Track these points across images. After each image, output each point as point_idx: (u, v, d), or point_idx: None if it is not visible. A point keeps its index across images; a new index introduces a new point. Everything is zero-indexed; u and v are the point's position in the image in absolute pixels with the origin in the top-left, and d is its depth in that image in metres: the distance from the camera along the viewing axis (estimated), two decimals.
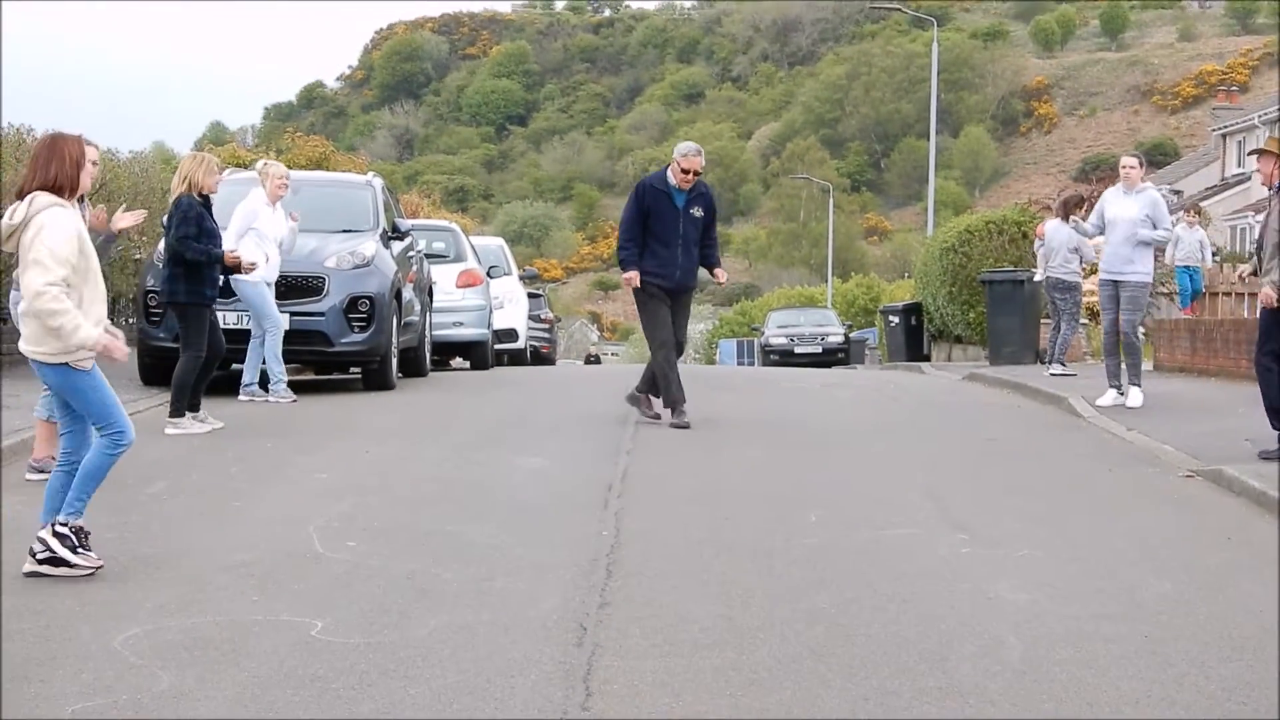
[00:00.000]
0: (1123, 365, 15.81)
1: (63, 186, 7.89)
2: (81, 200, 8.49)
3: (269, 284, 15.25)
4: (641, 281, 13.97)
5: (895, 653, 6.63)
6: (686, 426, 13.65)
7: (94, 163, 8.27)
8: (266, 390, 15.36)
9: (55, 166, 7.89)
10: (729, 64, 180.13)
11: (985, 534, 9.23)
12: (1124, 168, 15.90)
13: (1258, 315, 12.35)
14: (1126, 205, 15.56)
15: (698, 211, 14.06)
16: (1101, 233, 15.97)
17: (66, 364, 7.81)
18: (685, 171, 13.88)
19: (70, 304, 7.68)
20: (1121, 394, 15.71)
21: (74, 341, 7.69)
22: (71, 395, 7.96)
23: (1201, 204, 31.63)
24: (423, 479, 10.92)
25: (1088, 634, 6.98)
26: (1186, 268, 25.12)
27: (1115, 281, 15.57)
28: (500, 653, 6.53)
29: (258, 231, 15.14)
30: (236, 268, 13.89)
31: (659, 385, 14.04)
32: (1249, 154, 26.61)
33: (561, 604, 7.37)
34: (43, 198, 7.82)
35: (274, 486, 10.55)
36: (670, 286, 14.02)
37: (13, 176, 14.37)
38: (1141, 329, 17.24)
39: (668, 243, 13.94)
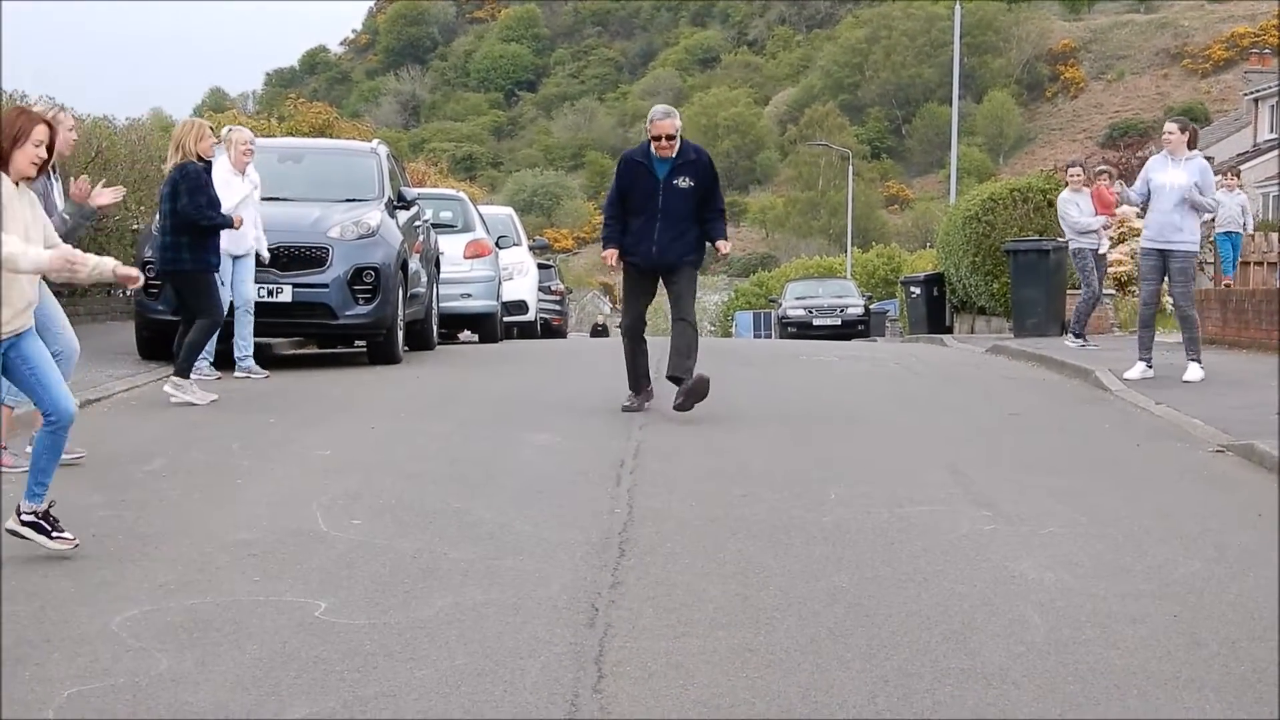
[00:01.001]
0: (1155, 339, 15.65)
1: None
2: (53, 170, 8.06)
3: (234, 257, 14.97)
4: (622, 258, 13.12)
5: (916, 633, 6.53)
6: (634, 410, 12.95)
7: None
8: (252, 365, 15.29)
9: None
10: (745, 27, 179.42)
11: (1009, 511, 9.10)
12: (1165, 133, 15.64)
13: None
14: (1175, 173, 15.24)
15: (684, 182, 12.82)
16: (1146, 201, 15.63)
17: None
18: (657, 138, 12.76)
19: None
20: (1151, 368, 15.49)
21: (25, 265, 7.41)
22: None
23: (1240, 168, 31.14)
24: (429, 455, 10.77)
25: (1114, 613, 6.88)
26: (1228, 234, 24.69)
27: (1162, 251, 15.28)
28: (509, 634, 6.43)
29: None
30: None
31: (673, 360, 13.05)
32: None
33: (572, 583, 7.26)
34: None
35: (276, 463, 10.39)
36: (647, 265, 13.03)
37: None
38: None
39: (643, 216, 12.87)
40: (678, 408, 12.69)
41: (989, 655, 6.24)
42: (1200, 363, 15.37)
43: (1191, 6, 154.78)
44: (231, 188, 14.79)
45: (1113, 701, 5.75)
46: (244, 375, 15.09)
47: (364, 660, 6.05)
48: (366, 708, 5.55)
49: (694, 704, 5.66)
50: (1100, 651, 6.31)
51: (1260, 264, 23.55)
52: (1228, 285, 23.43)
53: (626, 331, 13.30)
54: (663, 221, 12.85)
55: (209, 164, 13.51)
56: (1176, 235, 15.22)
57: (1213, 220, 24.57)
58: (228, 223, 13.63)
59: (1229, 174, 26.24)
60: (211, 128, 13.65)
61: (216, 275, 13.70)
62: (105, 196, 10.65)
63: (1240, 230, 24.74)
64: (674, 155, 12.83)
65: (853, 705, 5.66)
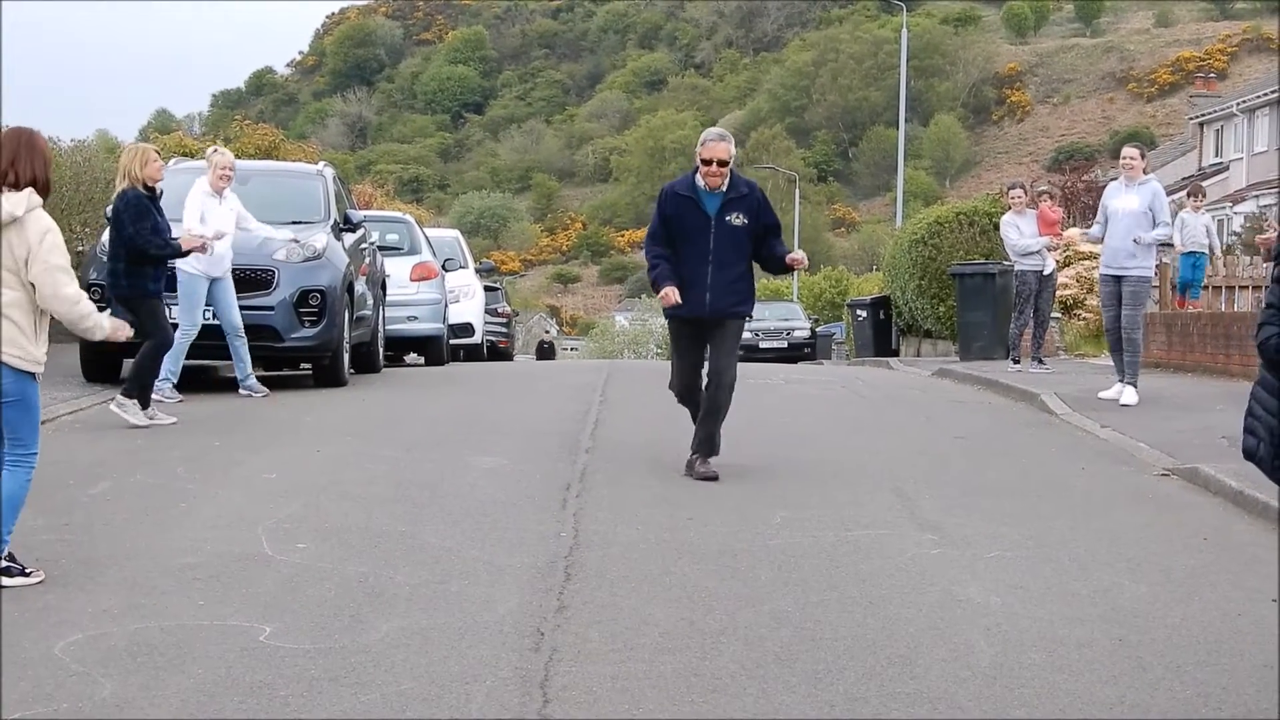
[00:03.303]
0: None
1: (46, 189, 7.57)
2: None
3: (211, 278, 14.92)
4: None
5: (862, 657, 6.53)
6: (711, 478, 10.95)
7: None
8: (250, 385, 15.26)
9: (38, 165, 7.55)
10: (692, 50, 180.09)
11: (955, 534, 9.12)
12: (1124, 159, 15.86)
13: None
14: (1128, 199, 15.57)
15: (737, 219, 11.17)
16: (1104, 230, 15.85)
17: (34, 372, 7.57)
18: (708, 163, 11.12)
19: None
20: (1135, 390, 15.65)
21: (101, 330, 7.77)
22: (24, 408, 7.65)
23: (1202, 184, 30.58)
24: (375, 478, 10.70)
25: (1060, 637, 6.90)
26: (1192, 254, 24.30)
27: (1116, 277, 15.54)
28: (455, 658, 6.41)
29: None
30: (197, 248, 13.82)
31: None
32: None
33: (518, 607, 7.24)
34: (36, 196, 7.51)
35: (222, 487, 10.32)
36: (697, 315, 11.27)
37: None
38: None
39: (693, 260, 11.17)
40: (699, 477, 11.06)
41: (935, 680, 6.24)
42: (1136, 387, 15.50)
43: (1137, 30, 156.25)
44: (210, 210, 14.87)
45: None
46: (246, 394, 15.17)
47: (309, 685, 6.02)
48: None
49: None
50: (1046, 676, 6.32)
51: (1205, 288, 23.47)
52: (1192, 307, 23.01)
53: (681, 397, 11.79)
54: (715, 265, 11.18)
55: (152, 190, 13.29)
56: (1131, 262, 15.44)
57: (1176, 240, 24.47)
58: (175, 252, 13.41)
59: (1192, 193, 25.65)
60: (157, 152, 13.51)
61: (160, 299, 13.46)
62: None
63: (1205, 251, 24.24)
64: (724, 188, 11.26)
65: None
